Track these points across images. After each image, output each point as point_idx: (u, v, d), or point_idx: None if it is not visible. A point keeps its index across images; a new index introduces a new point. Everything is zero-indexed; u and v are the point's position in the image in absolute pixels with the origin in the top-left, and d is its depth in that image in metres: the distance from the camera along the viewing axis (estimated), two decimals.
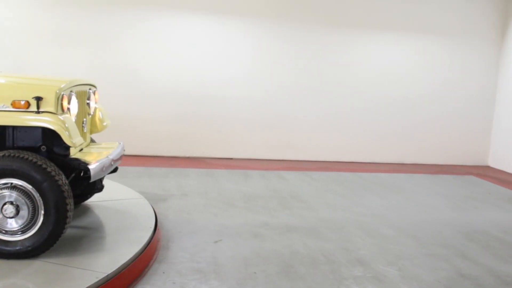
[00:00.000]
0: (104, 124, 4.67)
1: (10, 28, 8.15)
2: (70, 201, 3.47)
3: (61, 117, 3.40)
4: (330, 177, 7.76)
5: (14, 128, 3.65)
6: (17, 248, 3.42)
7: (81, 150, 4.18)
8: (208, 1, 8.53)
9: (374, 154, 9.39)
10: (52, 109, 3.39)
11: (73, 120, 3.77)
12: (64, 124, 3.37)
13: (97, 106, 4.65)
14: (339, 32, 8.99)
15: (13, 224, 3.42)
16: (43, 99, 3.37)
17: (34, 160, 3.35)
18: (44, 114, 3.37)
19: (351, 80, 9.16)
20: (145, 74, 8.46)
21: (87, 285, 3.14)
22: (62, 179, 3.43)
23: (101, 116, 4.64)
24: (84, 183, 3.99)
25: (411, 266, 4.23)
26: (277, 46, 8.82)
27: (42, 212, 3.41)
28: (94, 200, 5.04)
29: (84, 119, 4.25)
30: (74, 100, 3.76)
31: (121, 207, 4.93)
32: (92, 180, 3.53)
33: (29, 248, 3.43)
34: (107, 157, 3.80)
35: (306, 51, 8.92)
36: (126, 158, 8.27)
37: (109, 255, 3.65)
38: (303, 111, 9.03)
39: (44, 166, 3.36)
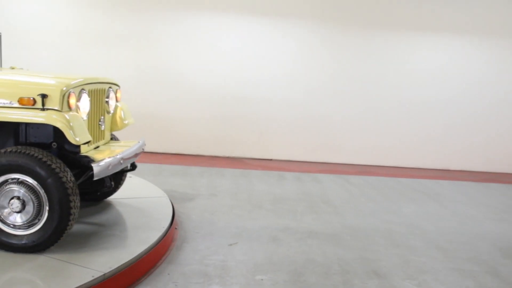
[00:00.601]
0: (126, 122, 4.71)
1: (61, 30, 8.49)
2: (75, 198, 3.50)
3: (66, 115, 3.44)
4: (368, 181, 7.43)
5: (27, 125, 3.75)
6: (23, 242, 3.50)
7: (97, 147, 4.23)
8: (249, 2, 8.46)
9: (417, 158, 8.91)
10: (56, 107, 3.43)
11: (84, 117, 3.82)
12: (68, 122, 3.40)
13: (119, 105, 4.69)
14: (379, 33, 8.61)
15: (19, 219, 3.50)
16: (48, 97, 3.42)
17: (40, 156, 3.40)
18: (49, 111, 3.41)
19: (391, 81, 8.75)
20: (187, 74, 8.53)
21: (81, 284, 3.14)
22: (67, 176, 3.46)
23: (122, 115, 4.67)
24: (89, 181, 4.02)
25: (432, 281, 3.92)
26: (317, 47, 8.59)
27: (47, 208, 3.45)
28: (117, 197, 5.11)
29: (102, 117, 4.29)
30: (85, 98, 3.80)
31: (141, 205, 4.96)
32: (95, 178, 3.53)
33: (34, 243, 3.50)
34: (116, 156, 3.80)
35: (346, 51, 8.62)
36: (167, 157, 8.45)
37: (113, 253, 3.64)
38: (343, 113, 8.74)
39: (49, 162, 3.40)
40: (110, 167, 3.68)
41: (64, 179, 3.43)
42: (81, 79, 3.78)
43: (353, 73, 8.66)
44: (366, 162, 8.84)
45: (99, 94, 4.22)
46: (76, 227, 4.23)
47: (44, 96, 3.41)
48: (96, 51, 8.49)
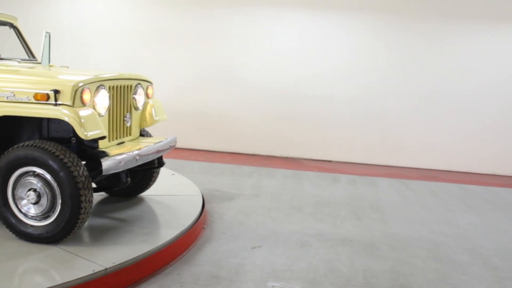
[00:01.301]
0: (156, 118, 4.69)
1: (124, 29, 8.81)
2: (86, 193, 3.52)
3: (77, 110, 3.47)
4: (429, 187, 6.84)
5: (49, 120, 3.85)
6: (38, 232, 3.59)
7: (122, 143, 4.25)
8: None
9: (495, 164, 8.05)
10: (68, 102, 3.47)
11: (102, 113, 3.83)
12: (78, 116, 3.43)
13: (150, 102, 4.69)
14: (451, 25, 7.88)
15: (35, 210, 3.60)
16: (61, 92, 3.48)
17: (53, 150, 3.47)
18: (61, 106, 3.47)
19: (466, 79, 7.97)
20: (244, 72, 8.46)
21: (79, 276, 3.14)
22: (79, 171, 3.49)
23: (153, 111, 4.66)
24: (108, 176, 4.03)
25: None
26: (380, 42, 8.09)
27: (60, 201, 3.51)
28: (150, 193, 5.13)
29: (128, 113, 4.30)
30: (103, 93, 3.82)
31: (171, 203, 4.93)
32: (104, 173, 3.53)
33: (48, 234, 3.57)
34: (131, 152, 3.78)
35: (414, 46, 8.00)
36: (222, 155, 8.45)
37: (122, 249, 3.61)
38: (407, 112, 8.14)
39: (61, 156, 3.46)
40: (122, 163, 3.65)
41: (75, 173, 3.46)
42: (96, 76, 3.80)
43: (419, 71, 8.04)
44: (433, 166, 8.16)
45: (125, 90, 4.23)
46: (98, 221, 4.28)
47: (56, 92, 3.47)
48: (156, 50, 8.70)
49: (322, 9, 8.15)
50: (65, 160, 3.46)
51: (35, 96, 3.49)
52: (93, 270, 3.24)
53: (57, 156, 3.45)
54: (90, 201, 3.60)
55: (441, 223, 5.22)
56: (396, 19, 7.99)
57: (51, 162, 3.45)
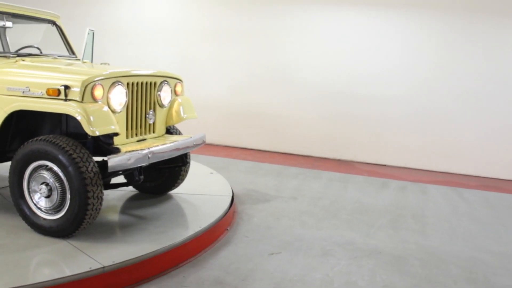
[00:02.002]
0: (184, 116, 4.62)
1: (179, 28, 8.92)
2: (94, 189, 3.52)
3: (86, 105, 3.47)
4: (486, 198, 6.20)
5: (67, 115, 3.91)
6: (49, 226, 3.65)
7: (143, 140, 4.23)
8: None
9: None
10: (77, 97, 3.49)
11: (118, 109, 3.81)
12: (86, 112, 3.43)
13: (178, 99, 4.64)
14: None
15: (47, 204, 3.66)
16: (71, 88, 3.50)
17: (63, 145, 3.50)
18: (70, 101, 3.49)
19: None
20: (296, 71, 8.22)
21: (75, 273, 3.14)
22: (87, 167, 3.50)
23: (180, 109, 4.60)
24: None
25: None
26: (437, 40, 7.46)
27: (69, 196, 3.55)
28: (180, 192, 5.10)
29: (151, 111, 4.27)
30: (119, 90, 3.80)
31: (197, 203, 4.85)
32: (110, 170, 3.50)
33: (58, 228, 3.63)
34: (143, 150, 3.73)
35: (471, 44, 7.28)
36: (272, 156, 8.28)
37: (128, 248, 3.57)
38: (468, 115, 7.43)
39: (70, 152, 3.48)
40: (131, 161, 3.60)
41: (83, 169, 3.47)
42: (112, 72, 3.80)
43: (477, 69, 7.32)
44: (495, 174, 7.40)
45: (147, 87, 4.21)
46: (115, 217, 4.31)
47: (66, 87, 3.50)
48: (210, 49, 8.71)
49: (376, 7, 7.69)
50: (74, 155, 3.48)
51: (47, 91, 3.55)
52: (90, 268, 3.22)
53: (67, 151, 3.48)
54: (99, 198, 3.60)
55: (489, 238, 4.69)
56: (459, 15, 7.35)
57: (60, 157, 3.49)
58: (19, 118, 3.93)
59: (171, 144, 4.09)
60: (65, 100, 3.50)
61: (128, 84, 3.94)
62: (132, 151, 3.66)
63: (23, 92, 3.63)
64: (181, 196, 5.03)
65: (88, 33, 5.44)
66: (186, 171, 4.93)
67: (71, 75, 3.62)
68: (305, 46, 8.13)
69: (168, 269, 3.66)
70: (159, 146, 3.92)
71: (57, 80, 3.58)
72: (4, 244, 3.54)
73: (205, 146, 8.81)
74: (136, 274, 3.42)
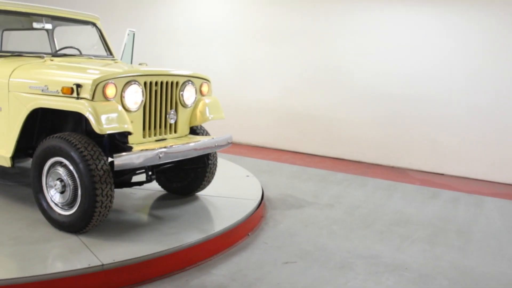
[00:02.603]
0: (210, 117, 4.56)
1: (232, 29, 8.91)
2: (103, 187, 3.54)
3: (96, 104, 3.50)
4: None
5: None
6: (63, 221, 3.73)
7: (163, 140, 4.21)
8: None
9: None
10: (88, 96, 3.53)
11: (133, 109, 3.82)
12: (95, 110, 3.46)
13: (205, 99, 4.58)
14: None
15: (60, 199, 3.75)
16: (83, 86, 3.55)
17: (75, 142, 3.56)
18: (81, 100, 3.54)
19: None
20: (351, 72, 7.89)
21: (72, 268, 3.16)
22: (97, 164, 3.52)
23: (205, 109, 4.54)
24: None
25: None
26: (504, 38, 6.78)
27: (80, 193, 3.60)
28: (208, 193, 5.04)
29: (172, 110, 4.24)
30: (134, 89, 3.80)
31: (221, 205, 4.76)
32: (116, 169, 3.49)
33: (70, 224, 3.70)
34: (154, 150, 3.69)
35: None
36: (322, 160, 8.03)
37: (134, 247, 3.55)
38: None
39: (82, 149, 3.53)
40: (139, 160, 3.57)
41: (92, 167, 3.51)
42: (126, 71, 3.81)
43: None
44: None
45: (168, 87, 4.18)
46: (132, 216, 4.32)
47: (78, 86, 3.56)
48: (263, 49, 8.61)
49: (430, 3, 7.17)
50: (85, 153, 3.53)
51: (62, 89, 3.63)
52: (89, 264, 3.24)
53: (78, 148, 3.54)
54: (108, 196, 3.61)
55: None
56: None
57: (72, 154, 3.55)
58: (44, 116, 4.06)
59: (187, 144, 4.03)
60: (77, 98, 3.56)
61: (145, 83, 3.94)
62: (142, 150, 3.65)
63: (42, 90, 3.75)
64: (207, 197, 4.97)
65: (128, 34, 5.58)
66: (212, 173, 4.85)
67: (84, 74, 3.67)
68: (359, 45, 7.78)
69: (173, 271, 3.59)
70: (173, 146, 3.88)
71: (72, 79, 3.65)
72: (20, 236, 3.67)
73: (254, 149, 8.76)
74: (136, 274, 3.38)
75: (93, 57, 5.01)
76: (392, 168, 7.71)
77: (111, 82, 3.62)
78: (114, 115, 3.57)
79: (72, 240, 3.64)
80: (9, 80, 3.96)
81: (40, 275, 3.07)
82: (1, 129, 4.07)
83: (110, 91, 3.61)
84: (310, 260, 3.94)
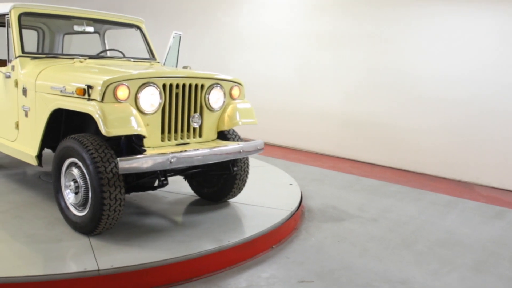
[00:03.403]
0: (240, 122, 4.37)
1: (295, 33, 8.66)
2: (111, 190, 3.49)
3: (105, 105, 3.45)
4: None
5: None
6: (76, 221, 3.75)
7: (185, 144, 4.10)
8: None
9: None
10: (98, 97, 3.50)
11: (148, 111, 3.73)
12: (103, 112, 3.41)
13: (235, 103, 4.41)
14: None
15: (74, 200, 3.76)
16: (93, 88, 3.52)
17: (87, 144, 3.56)
18: (92, 101, 3.52)
19: None
20: (416, 78, 7.31)
21: (68, 271, 3.14)
22: (106, 167, 3.48)
23: (235, 114, 4.36)
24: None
25: None
26: None
27: (90, 195, 3.59)
28: (240, 200, 4.87)
29: (196, 114, 4.11)
30: (150, 91, 3.71)
31: (249, 214, 4.55)
32: (120, 172, 3.40)
33: (82, 225, 3.70)
34: (167, 154, 3.57)
35: None
36: (381, 170, 7.57)
37: (139, 253, 3.47)
38: None
39: (92, 151, 3.51)
40: (148, 164, 3.45)
41: (101, 169, 3.47)
42: (142, 72, 3.74)
43: None
44: None
45: (191, 89, 4.05)
46: (152, 220, 4.24)
47: (89, 87, 3.54)
48: (327, 55, 8.27)
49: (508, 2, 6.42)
50: (95, 154, 3.50)
51: (76, 90, 3.64)
52: (85, 268, 3.19)
53: (89, 150, 3.52)
54: (118, 199, 3.55)
55: None
56: None
57: (84, 155, 3.54)
58: (69, 116, 4.12)
59: (204, 149, 3.87)
60: (88, 99, 3.55)
61: (164, 85, 3.84)
62: (151, 154, 3.55)
63: (61, 91, 3.80)
64: (238, 205, 4.79)
65: (174, 37, 5.57)
66: (242, 180, 4.66)
67: (98, 75, 3.65)
68: (424, 50, 7.18)
69: (176, 281, 3.45)
70: (186, 151, 3.74)
71: (84, 80, 3.65)
72: (35, 234, 3.74)
73: (313, 156, 8.43)
74: (134, 281, 3.29)
75: (132, 60, 5.04)
76: (457, 182, 7.02)
77: (123, 84, 3.57)
78: (124, 117, 3.51)
79: (82, 241, 3.64)
80: (36, 81, 4.07)
81: (33, 276, 3.07)
82: (29, 129, 4.19)
83: (122, 92, 3.56)
84: (329, 280, 3.62)
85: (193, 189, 4.93)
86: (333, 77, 8.23)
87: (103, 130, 3.41)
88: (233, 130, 4.66)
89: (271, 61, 9.03)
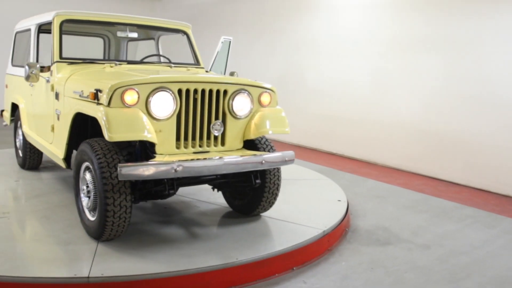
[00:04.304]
0: (269, 130, 4.08)
1: (366, 37, 8.10)
2: (115, 196, 3.41)
3: (110, 109, 3.38)
4: None
5: None
6: (89, 225, 3.74)
7: (205, 152, 3.91)
8: None
9: None
10: (104, 102, 3.44)
11: (159, 117, 3.59)
12: (106, 116, 3.35)
13: (263, 110, 4.13)
14: None
15: (86, 204, 3.75)
16: (102, 92, 3.48)
17: (97, 148, 3.53)
18: (99, 105, 3.47)
19: None
20: (506, 87, 6.37)
21: (58, 276, 3.11)
22: (111, 172, 3.41)
23: (262, 122, 4.07)
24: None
25: None
26: None
27: (98, 200, 3.55)
28: (272, 215, 4.59)
29: (218, 121, 3.91)
30: (162, 96, 3.58)
31: (275, 230, 4.24)
32: (120, 178, 3.28)
33: (91, 230, 3.68)
34: (172, 162, 3.40)
35: None
36: (459, 190, 6.86)
37: (137, 264, 3.34)
38: None
39: (100, 156, 3.47)
40: (149, 172, 3.30)
41: (106, 175, 3.41)
42: (155, 77, 3.62)
43: None
44: None
45: (212, 95, 3.85)
46: (170, 230, 4.10)
47: (98, 91, 3.51)
48: (403, 61, 7.59)
49: None
50: (102, 159, 3.46)
51: (90, 95, 3.63)
52: (75, 275, 3.14)
53: (97, 154, 3.49)
54: (122, 206, 3.47)
55: None
56: None
57: (92, 160, 3.52)
58: (93, 119, 4.14)
59: (215, 159, 3.64)
60: (97, 103, 3.52)
61: (180, 90, 3.69)
62: (156, 162, 3.40)
63: (80, 96, 3.82)
64: (268, 219, 4.50)
65: (222, 42, 5.44)
66: (272, 193, 4.34)
67: (109, 80, 3.61)
68: None
69: None
70: (195, 161, 3.54)
71: (96, 84, 3.64)
72: (49, 236, 3.81)
73: (384, 170, 7.78)
74: None
75: (173, 65, 4.98)
76: None
77: (132, 88, 3.47)
78: (128, 122, 3.41)
79: (89, 246, 3.61)
80: (64, 85, 4.16)
81: (22, 277, 3.09)
82: (60, 132, 4.30)
83: (129, 97, 3.47)
84: None
85: (226, 200, 4.73)
86: (409, 85, 7.54)
87: (105, 135, 3.34)
88: (266, 140, 4.38)
89: (344, 67, 8.55)
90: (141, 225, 4.18)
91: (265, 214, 4.61)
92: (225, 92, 3.94)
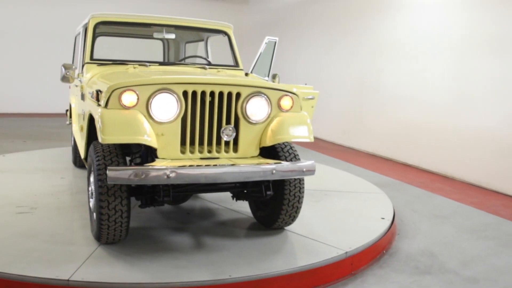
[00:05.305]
0: (288, 137, 3.74)
1: (449, 39, 7.29)
2: (110, 199, 3.33)
3: (107, 111, 3.30)
4: None
5: None
6: (93, 227, 3.71)
7: (214, 158, 3.69)
8: None
9: None
10: (102, 103, 3.36)
11: (162, 120, 3.44)
12: (101, 118, 3.26)
13: (283, 115, 3.80)
14: None
15: (91, 206, 3.73)
16: (102, 93, 3.41)
17: (98, 150, 3.48)
18: (98, 106, 3.41)
19: None
20: None
21: (48, 277, 3.09)
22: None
23: (280, 127, 3.72)
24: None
25: None
26: None
27: (95, 203, 3.50)
28: (297, 230, 4.24)
29: (230, 127, 3.66)
30: (164, 98, 3.42)
31: (289, 247, 3.88)
32: (108, 182, 3.15)
33: (94, 232, 3.65)
34: (165, 167, 3.22)
35: None
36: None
37: (123, 271, 3.22)
38: None
39: (99, 157, 3.43)
40: (140, 177, 3.15)
41: (102, 177, 3.35)
42: (157, 78, 3.46)
43: None
44: None
45: (223, 98, 3.62)
46: (177, 237, 3.94)
47: (99, 92, 3.46)
48: (490, 65, 6.69)
49: None
50: (100, 161, 3.41)
51: (94, 95, 3.60)
52: (57, 276, 3.10)
53: (97, 156, 3.45)
54: (118, 210, 3.38)
55: None
56: None
57: (93, 161, 3.48)
58: None
59: (216, 167, 3.39)
60: (97, 104, 3.47)
61: (185, 92, 3.50)
62: (149, 167, 3.25)
63: (91, 96, 3.81)
64: (289, 234, 4.15)
65: (266, 43, 5.21)
66: (292, 206, 3.98)
67: (110, 81, 3.54)
68: None
69: None
70: (190, 168, 3.32)
71: (100, 85, 3.59)
72: (55, 234, 3.84)
73: (460, 186, 6.94)
74: None
75: (207, 67, 4.83)
76: None
77: (131, 90, 3.36)
78: (123, 124, 3.29)
79: (88, 248, 3.59)
80: (86, 86, 4.20)
81: (14, 274, 3.14)
82: (84, 132, 4.35)
83: (127, 99, 3.35)
84: None
85: (251, 209, 4.48)
86: (496, 93, 6.62)
87: (99, 136, 3.27)
88: (291, 147, 4.03)
89: (422, 71, 7.79)
90: (151, 230, 4.08)
91: (289, 227, 4.27)
92: (238, 94, 3.68)
